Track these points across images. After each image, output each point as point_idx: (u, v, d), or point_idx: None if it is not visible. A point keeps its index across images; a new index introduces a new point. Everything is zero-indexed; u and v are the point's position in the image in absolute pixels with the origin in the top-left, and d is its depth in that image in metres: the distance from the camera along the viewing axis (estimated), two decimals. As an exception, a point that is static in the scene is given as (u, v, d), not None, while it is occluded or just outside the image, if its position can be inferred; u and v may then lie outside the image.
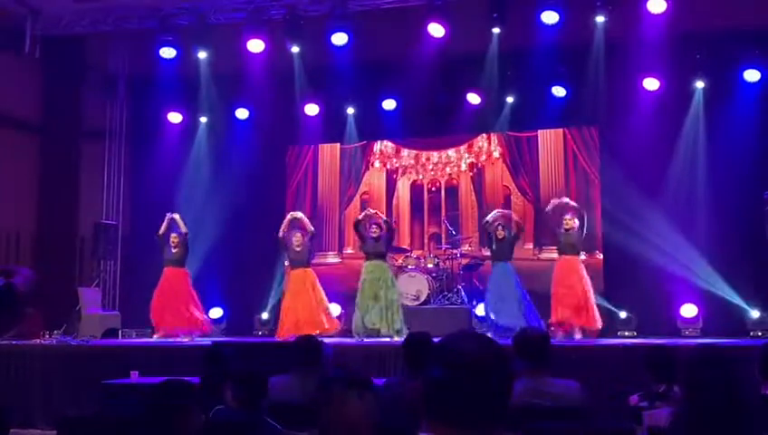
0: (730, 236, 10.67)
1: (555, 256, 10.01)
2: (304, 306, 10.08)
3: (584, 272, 9.65)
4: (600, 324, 9.48)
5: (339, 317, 11.57)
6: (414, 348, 4.74)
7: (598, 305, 9.85)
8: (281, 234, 10.40)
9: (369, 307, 9.70)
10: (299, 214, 10.70)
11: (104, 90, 13.37)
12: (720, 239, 10.66)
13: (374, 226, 10.12)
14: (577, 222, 9.69)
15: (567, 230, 9.66)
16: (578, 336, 9.30)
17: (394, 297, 9.82)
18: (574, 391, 4.15)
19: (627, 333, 10.57)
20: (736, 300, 10.43)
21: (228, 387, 4.01)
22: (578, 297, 9.41)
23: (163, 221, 10.68)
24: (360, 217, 10.34)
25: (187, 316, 10.48)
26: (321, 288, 10.32)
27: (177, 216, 10.66)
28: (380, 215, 10.43)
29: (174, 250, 10.54)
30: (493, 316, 9.69)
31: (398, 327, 9.61)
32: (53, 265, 11.74)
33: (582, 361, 7.78)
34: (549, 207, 10.04)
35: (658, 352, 4.69)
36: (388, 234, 10.17)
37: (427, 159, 13.14)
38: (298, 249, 10.33)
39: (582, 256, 10.24)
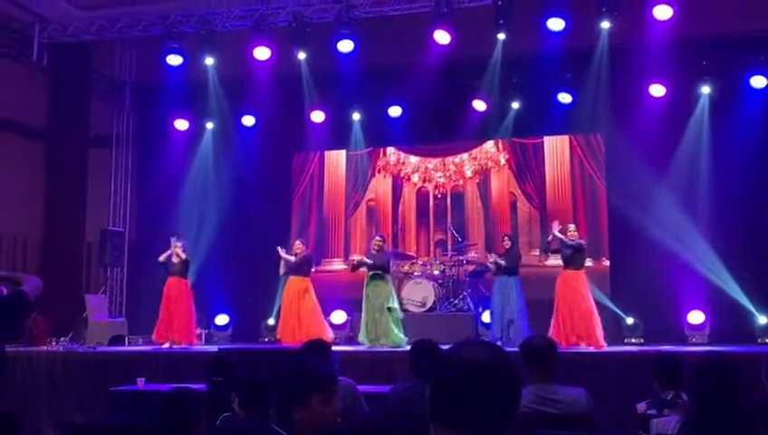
0: (737, 241, 10.64)
1: (560, 262, 9.92)
2: (305, 312, 10.22)
3: (588, 287, 9.58)
4: (604, 345, 9.36)
5: (344, 324, 11.62)
6: (419, 354, 4.74)
7: (606, 309, 9.81)
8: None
9: (375, 319, 9.74)
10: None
11: (111, 97, 13.44)
12: (727, 245, 10.63)
13: (377, 240, 10.19)
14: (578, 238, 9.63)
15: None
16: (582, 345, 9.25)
17: (394, 309, 9.89)
18: (581, 399, 4.14)
19: (634, 340, 10.53)
20: (745, 303, 10.40)
21: (235, 394, 4.01)
22: (581, 314, 9.33)
23: (168, 245, 10.69)
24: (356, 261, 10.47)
25: (184, 325, 10.54)
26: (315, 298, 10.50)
27: (178, 247, 10.61)
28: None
29: (176, 262, 10.61)
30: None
31: (402, 337, 9.68)
32: (60, 272, 11.77)
33: (589, 368, 7.77)
34: (549, 238, 9.99)
35: (666, 360, 4.67)
36: (390, 250, 10.30)
37: (433, 165, 13.15)
38: (298, 251, 10.48)
39: (588, 262, 10.20)
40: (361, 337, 9.92)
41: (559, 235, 9.69)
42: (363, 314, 9.98)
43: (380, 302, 9.82)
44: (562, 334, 9.23)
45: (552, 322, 9.45)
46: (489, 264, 10.30)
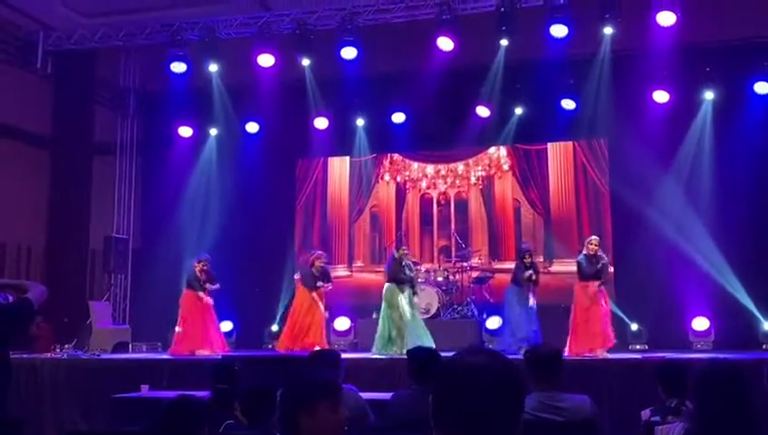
0: (741, 247, 10.62)
1: (565, 268, 9.86)
2: (315, 323, 10.23)
3: (604, 297, 9.50)
4: (611, 344, 9.28)
5: (348, 331, 11.60)
6: (417, 362, 4.74)
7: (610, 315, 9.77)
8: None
9: (393, 325, 9.68)
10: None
11: (115, 104, 13.47)
12: (731, 251, 10.60)
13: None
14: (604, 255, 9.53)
15: (593, 255, 9.46)
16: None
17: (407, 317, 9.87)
18: (585, 405, 4.13)
19: (638, 347, 10.50)
20: (751, 309, 10.36)
21: (238, 402, 4.00)
22: (599, 323, 9.25)
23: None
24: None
25: (212, 334, 10.58)
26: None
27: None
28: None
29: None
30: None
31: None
32: (64, 279, 11.77)
33: (593, 374, 7.75)
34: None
35: (670, 367, 4.66)
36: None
37: (437, 171, 13.15)
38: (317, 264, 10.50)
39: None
40: (382, 348, 9.63)
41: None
42: (384, 326, 9.73)
43: (404, 307, 9.73)
44: (584, 343, 9.15)
45: (572, 332, 9.29)
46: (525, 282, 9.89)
